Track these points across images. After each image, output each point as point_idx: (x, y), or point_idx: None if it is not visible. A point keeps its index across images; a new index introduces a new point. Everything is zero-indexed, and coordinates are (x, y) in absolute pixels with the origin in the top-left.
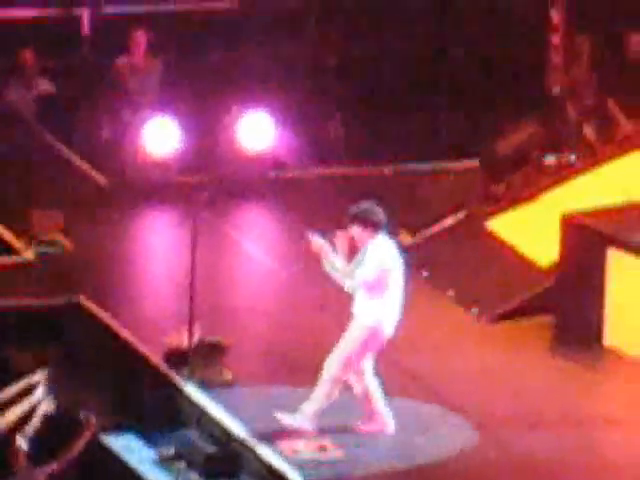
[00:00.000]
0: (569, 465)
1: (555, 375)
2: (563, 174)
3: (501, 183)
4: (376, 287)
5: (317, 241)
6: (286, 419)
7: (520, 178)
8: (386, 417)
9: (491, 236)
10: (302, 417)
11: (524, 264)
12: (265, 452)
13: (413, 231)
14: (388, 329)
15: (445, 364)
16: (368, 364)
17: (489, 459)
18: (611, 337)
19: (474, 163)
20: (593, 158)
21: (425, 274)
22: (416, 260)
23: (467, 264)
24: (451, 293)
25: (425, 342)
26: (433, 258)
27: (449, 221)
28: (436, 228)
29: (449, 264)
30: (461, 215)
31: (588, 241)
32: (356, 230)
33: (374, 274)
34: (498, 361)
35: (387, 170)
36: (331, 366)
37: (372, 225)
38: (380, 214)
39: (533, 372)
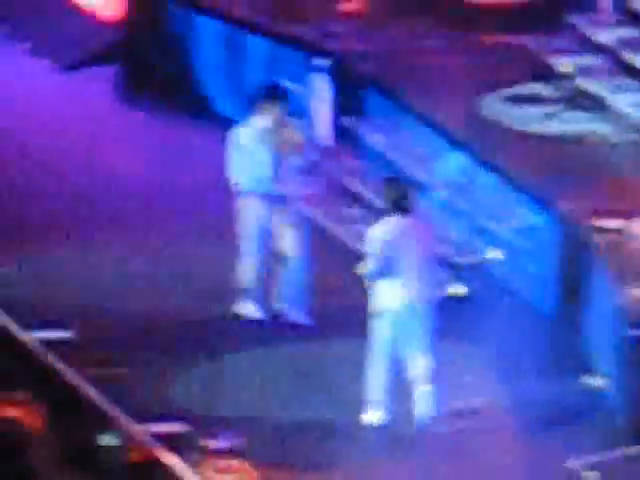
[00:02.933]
0: None
1: (122, 120)
2: None
3: None
4: None
5: None
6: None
7: None
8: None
9: None
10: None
11: (95, 19)
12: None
13: None
14: None
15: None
16: None
17: None
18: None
19: None
20: None
21: (6, 29)
22: None
23: (41, 19)
24: (28, 45)
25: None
26: (13, 13)
27: None
28: None
29: (27, 19)
30: None
31: None
32: None
33: None
34: (70, 110)
35: None
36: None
37: None
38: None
39: (99, 119)
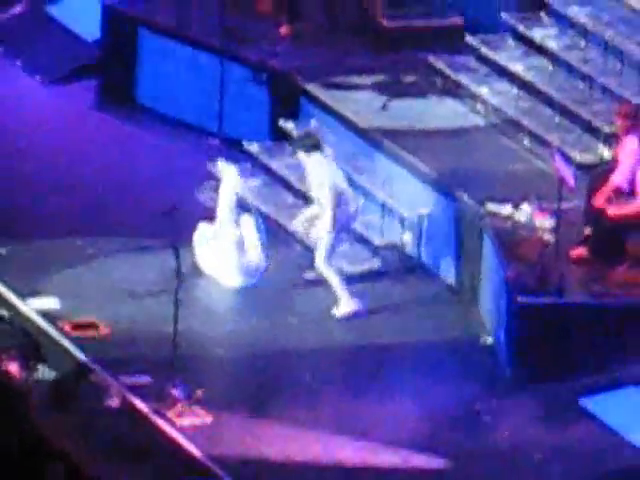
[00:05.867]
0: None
1: (98, 126)
2: None
3: None
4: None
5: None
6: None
7: None
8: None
9: (54, 21)
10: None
11: (74, 39)
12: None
13: None
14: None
15: None
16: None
17: None
18: (142, 97)
19: None
20: None
21: (1, 50)
22: None
23: (30, 38)
24: (19, 63)
25: None
26: (6, 35)
27: (18, 9)
28: (5, 15)
29: (19, 38)
30: (25, 5)
31: (121, 23)
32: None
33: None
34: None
35: None
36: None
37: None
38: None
39: (79, 126)
